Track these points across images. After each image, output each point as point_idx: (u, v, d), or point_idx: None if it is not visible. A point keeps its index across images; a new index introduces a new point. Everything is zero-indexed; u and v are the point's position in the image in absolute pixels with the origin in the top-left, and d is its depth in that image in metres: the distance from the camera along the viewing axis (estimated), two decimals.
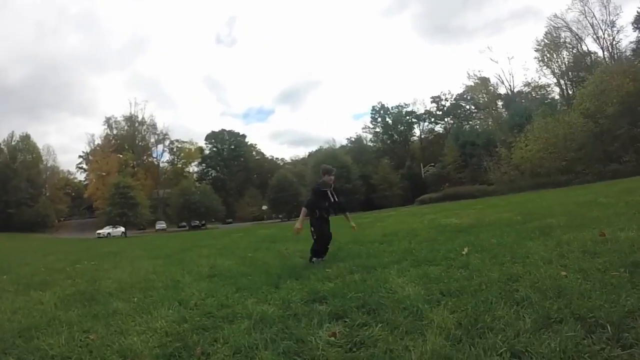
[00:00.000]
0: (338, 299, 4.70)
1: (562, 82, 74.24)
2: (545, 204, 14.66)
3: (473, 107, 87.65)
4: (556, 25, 71.06)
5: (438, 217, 16.46)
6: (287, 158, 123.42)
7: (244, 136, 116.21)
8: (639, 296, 3.47)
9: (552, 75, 74.74)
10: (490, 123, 79.29)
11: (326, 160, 73.85)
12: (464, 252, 6.73)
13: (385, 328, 3.64)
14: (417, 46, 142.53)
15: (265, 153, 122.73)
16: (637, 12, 62.29)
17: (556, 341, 2.92)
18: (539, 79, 76.85)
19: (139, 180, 78.13)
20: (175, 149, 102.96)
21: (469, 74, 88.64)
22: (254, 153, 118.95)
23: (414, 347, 3.16)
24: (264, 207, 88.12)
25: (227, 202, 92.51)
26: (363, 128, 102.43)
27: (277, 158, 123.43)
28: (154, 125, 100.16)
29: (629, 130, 42.78)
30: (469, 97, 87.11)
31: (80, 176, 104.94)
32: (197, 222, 77.68)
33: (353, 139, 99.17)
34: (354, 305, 4.38)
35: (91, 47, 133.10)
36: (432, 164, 79.62)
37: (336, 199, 7.90)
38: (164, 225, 78.89)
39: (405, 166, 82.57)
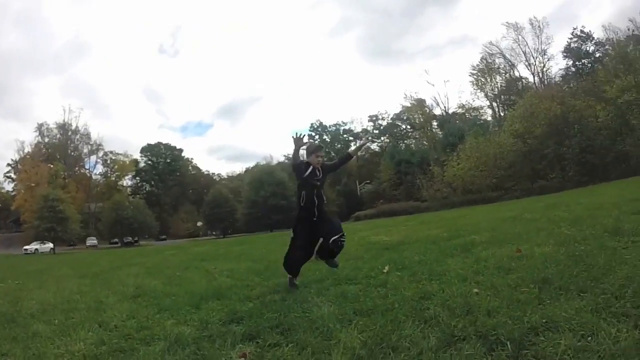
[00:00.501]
0: (254, 319, 4.69)
1: (494, 104, 77.26)
2: (473, 220, 15.00)
3: (409, 127, 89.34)
4: (491, 52, 74.20)
5: (369, 234, 16.41)
6: (224, 173, 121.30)
7: (180, 150, 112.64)
8: (544, 312, 3.53)
9: (485, 98, 77.66)
10: (425, 142, 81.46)
11: (262, 177, 73.52)
12: (385, 270, 6.80)
13: (294, 348, 3.65)
14: (358, 67, 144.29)
15: (201, 168, 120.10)
16: (567, 42, 66.22)
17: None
18: (473, 101, 79.50)
19: (69, 193, 72.18)
20: (109, 161, 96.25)
21: (405, 95, 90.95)
22: (190, 168, 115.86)
23: None
24: (199, 224, 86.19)
25: (161, 217, 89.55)
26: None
27: (213, 173, 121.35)
28: (87, 135, 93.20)
29: (556, 149, 44.94)
30: (405, 117, 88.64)
31: (8, 186, 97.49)
32: (130, 238, 73.79)
33: (291, 156, 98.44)
34: (268, 325, 4.37)
35: (29, 48, 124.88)
36: (368, 181, 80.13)
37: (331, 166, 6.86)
38: (95, 242, 73.78)
39: (342, 183, 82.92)
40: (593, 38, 63.97)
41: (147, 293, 7.50)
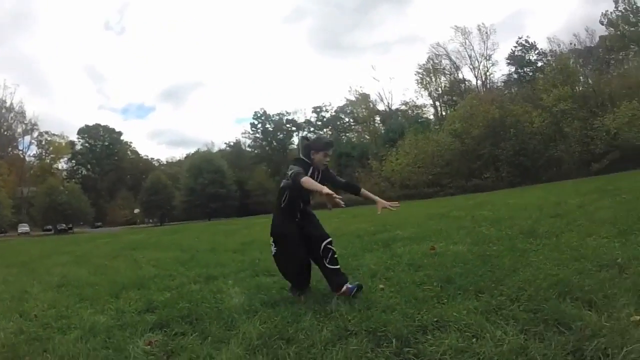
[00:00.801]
0: (167, 309, 4.68)
1: (437, 103, 78.90)
2: (403, 216, 15.11)
3: (352, 120, 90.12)
4: (438, 53, 75.38)
5: None
6: (163, 159, 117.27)
7: (120, 133, 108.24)
8: (438, 311, 3.59)
9: (428, 97, 79.11)
10: (366, 136, 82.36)
11: (201, 165, 71.95)
12: None
13: (198, 337, 3.68)
14: (307, 57, 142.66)
15: (140, 152, 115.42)
16: (512, 50, 68.84)
17: (342, 354, 2.98)
18: (417, 99, 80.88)
19: (0, 176, 68.40)
20: (44, 142, 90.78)
21: (351, 88, 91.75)
22: (129, 152, 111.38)
23: (215, 357, 3.22)
24: (137, 211, 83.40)
25: (97, 203, 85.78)
26: (243, 133, 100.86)
27: (152, 158, 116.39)
28: (22, 114, 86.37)
29: (491, 150, 46.71)
30: (349, 111, 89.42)
31: None
32: (64, 225, 69.74)
33: (232, 144, 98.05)
34: (179, 315, 4.38)
35: None
36: None
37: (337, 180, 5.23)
38: (27, 229, 68.52)
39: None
40: (537, 48, 66.74)
41: (71, 282, 7.37)
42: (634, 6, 55.19)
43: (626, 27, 55.75)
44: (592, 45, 58.38)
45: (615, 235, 6.18)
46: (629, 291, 3.54)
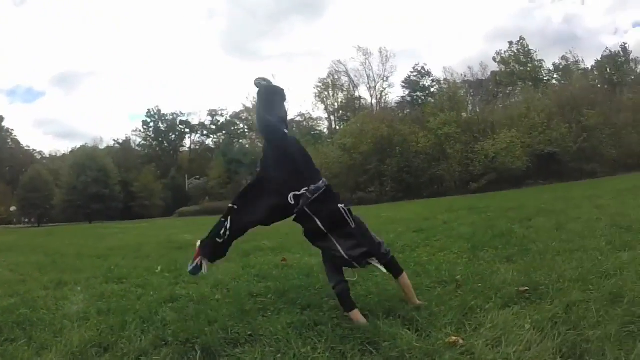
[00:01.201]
0: (7, 315, 4.49)
1: (332, 118, 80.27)
2: (275, 226, 15.04)
3: (247, 127, 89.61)
4: (338, 69, 76.74)
5: (177, 232, 16.35)
6: (47, 152, 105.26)
7: (1, 118, 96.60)
8: (257, 324, 3.58)
9: (324, 111, 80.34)
10: (259, 144, 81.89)
11: (85, 162, 67.14)
12: (157, 271, 6.78)
13: (26, 344, 3.57)
14: (210, 58, 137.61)
15: (22, 142, 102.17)
16: (408, 75, 70.99)
17: None
18: (313, 111, 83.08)
19: None
20: None
21: (248, 95, 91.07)
22: (9, 141, 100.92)
23: None
24: (13, 209, 74.64)
25: None
26: (134, 131, 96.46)
27: (34, 150, 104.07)
28: None
29: (377, 166, 48.22)
30: (244, 117, 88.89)
31: None
32: None
33: (121, 141, 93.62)
34: (16, 321, 4.23)
35: None
36: (198, 177, 78.69)
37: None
38: None
39: (169, 176, 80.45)
40: (431, 75, 69.51)
41: None
42: (527, 48, 62.82)
43: (516, 66, 63.00)
44: (484, 79, 63.17)
45: (465, 250, 6.38)
46: (454, 309, 3.56)
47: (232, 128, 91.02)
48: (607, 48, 63.93)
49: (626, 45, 62.99)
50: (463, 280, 4.56)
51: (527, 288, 3.97)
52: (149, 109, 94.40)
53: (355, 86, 76.98)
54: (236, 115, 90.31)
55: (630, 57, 62.11)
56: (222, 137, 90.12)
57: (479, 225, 9.62)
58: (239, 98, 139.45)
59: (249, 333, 3.38)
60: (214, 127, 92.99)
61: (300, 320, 3.56)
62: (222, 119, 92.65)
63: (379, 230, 10.51)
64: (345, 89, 78.13)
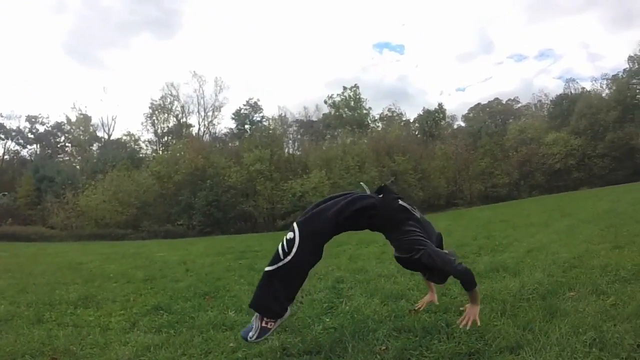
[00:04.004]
0: None
1: (160, 141, 78.34)
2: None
3: (68, 142, 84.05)
4: (171, 93, 76.51)
5: None
6: None
7: None
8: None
9: (153, 134, 78.82)
10: (75, 164, 76.87)
11: None
12: None
13: None
14: (46, 55, 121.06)
15: None
16: (239, 108, 71.78)
17: None
18: (141, 133, 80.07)
19: None
20: None
21: (74, 105, 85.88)
22: None
23: None
24: None
25: None
26: None
27: None
28: None
29: (188, 198, 48.05)
30: (66, 130, 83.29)
31: None
32: None
33: None
34: None
35: None
36: (5, 193, 70.08)
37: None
38: None
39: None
40: (262, 110, 70.99)
41: None
42: (358, 96, 68.81)
43: (346, 110, 68.34)
44: (315, 120, 69.03)
45: (202, 294, 6.89)
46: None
47: (52, 140, 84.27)
48: (424, 107, 73.19)
49: (441, 104, 73.22)
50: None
51: None
52: None
53: (186, 112, 77.07)
54: (58, 126, 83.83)
55: (448, 115, 73.75)
56: (39, 149, 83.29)
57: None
58: (64, 107, 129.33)
59: None
60: (31, 135, 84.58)
61: None
62: (41, 128, 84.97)
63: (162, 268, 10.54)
64: (175, 114, 77.60)
